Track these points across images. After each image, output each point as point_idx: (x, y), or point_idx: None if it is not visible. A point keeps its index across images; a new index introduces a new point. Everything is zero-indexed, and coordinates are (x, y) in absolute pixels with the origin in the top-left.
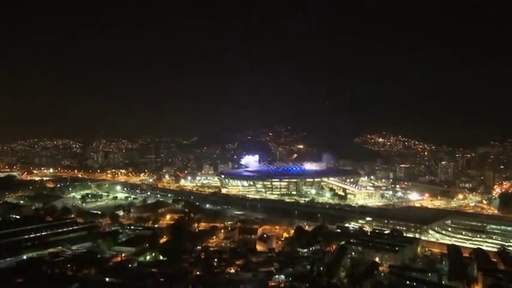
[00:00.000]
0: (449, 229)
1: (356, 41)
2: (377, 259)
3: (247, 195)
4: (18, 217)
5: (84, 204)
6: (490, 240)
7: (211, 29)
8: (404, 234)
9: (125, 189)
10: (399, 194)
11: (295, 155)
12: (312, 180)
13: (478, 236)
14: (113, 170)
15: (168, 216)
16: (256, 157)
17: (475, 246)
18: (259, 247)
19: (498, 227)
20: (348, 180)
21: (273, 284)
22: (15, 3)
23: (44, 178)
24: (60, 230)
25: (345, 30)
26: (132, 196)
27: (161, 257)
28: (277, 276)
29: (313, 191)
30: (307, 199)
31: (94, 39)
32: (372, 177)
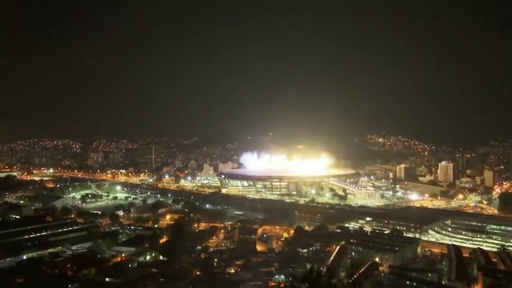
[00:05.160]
0: (449, 229)
1: (357, 40)
2: (377, 259)
3: (247, 195)
4: (18, 217)
5: (84, 204)
6: (490, 240)
7: (212, 29)
8: (404, 234)
9: (125, 189)
10: (399, 194)
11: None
12: (312, 180)
13: (478, 236)
14: (113, 170)
15: (168, 216)
16: (255, 155)
17: (475, 246)
18: (259, 247)
19: (498, 227)
20: (348, 180)
21: (273, 284)
22: (16, 3)
23: (44, 178)
24: (60, 230)
25: (344, 30)
26: (132, 196)
27: (161, 257)
28: (277, 276)
29: (313, 191)
30: (307, 199)
31: (94, 39)
32: (372, 177)
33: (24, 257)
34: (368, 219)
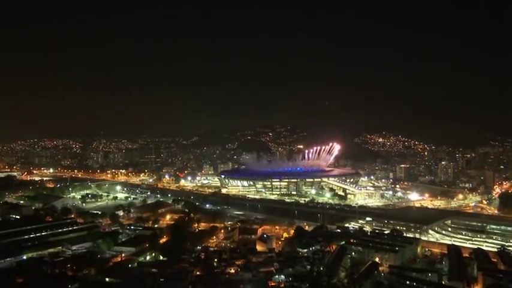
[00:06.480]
0: (449, 229)
1: (356, 41)
2: (377, 259)
3: (247, 195)
4: (18, 217)
5: (84, 204)
6: (490, 240)
7: (211, 30)
8: (404, 234)
9: (125, 189)
10: (399, 194)
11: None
12: (312, 180)
13: (478, 236)
14: (113, 170)
15: (168, 216)
16: (255, 155)
17: (475, 246)
18: (259, 247)
19: (498, 227)
20: (348, 180)
21: (273, 284)
22: (16, 4)
23: (44, 178)
24: (60, 230)
25: (345, 30)
26: (132, 196)
27: (161, 257)
28: (277, 276)
29: (313, 191)
30: (307, 199)
31: (95, 40)
32: (372, 177)
33: (24, 257)
34: (368, 219)
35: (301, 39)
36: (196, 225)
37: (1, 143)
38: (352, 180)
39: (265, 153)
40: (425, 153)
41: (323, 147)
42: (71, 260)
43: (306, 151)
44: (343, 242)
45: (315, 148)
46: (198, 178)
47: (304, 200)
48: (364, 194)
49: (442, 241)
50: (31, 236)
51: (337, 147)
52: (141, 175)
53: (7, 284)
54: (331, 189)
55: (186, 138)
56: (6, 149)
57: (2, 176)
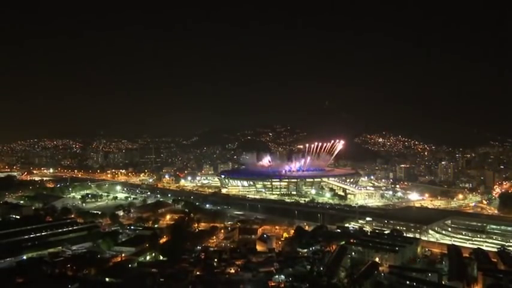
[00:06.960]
0: (449, 229)
1: (357, 40)
2: (377, 259)
3: (247, 195)
4: (18, 217)
5: (84, 204)
6: (490, 240)
7: (211, 30)
8: (404, 234)
9: (125, 189)
10: (399, 194)
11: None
12: (312, 180)
13: (478, 236)
14: (113, 170)
15: (168, 216)
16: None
17: (475, 246)
18: (259, 247)
19: (498, 227)
20: (348, 180)
21: (273, 284)
22: (16, 4)
23: (44, 178)
24: (60, 230)
25: (345, 29)
26: (132, 196)
27: (161, 257)
28: (277, 276)
29: (313, 191)
30: (307, 199)
31: (95, 40)
32: (372, 177)
33: (24, 257)
34: (368, 219)
35: (301, 39)
36: (196, 225)
37: (1, 143)
38: (352, 180)
39: (265, 153)
40: (425, 153)
41: (326, 144)
42: (71, 260)
43: (307, 144)
44: (343, 242)
45: (316, 143)
46: (198, 178)
47: (304, 200)
48: (364, 194)
49: (442, 241)
50: (31, 236)
51: (340, 144)
52: (141, 175)
53: (7, 284)
54: (331, 189)
55: (186, 138)
56: (6, 149)
57: (2, 176)
